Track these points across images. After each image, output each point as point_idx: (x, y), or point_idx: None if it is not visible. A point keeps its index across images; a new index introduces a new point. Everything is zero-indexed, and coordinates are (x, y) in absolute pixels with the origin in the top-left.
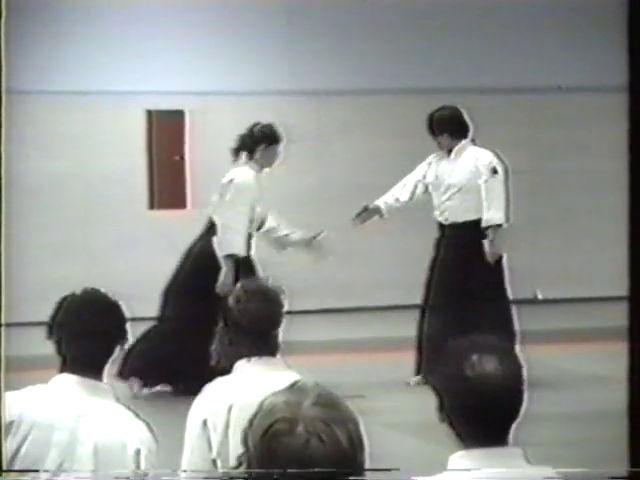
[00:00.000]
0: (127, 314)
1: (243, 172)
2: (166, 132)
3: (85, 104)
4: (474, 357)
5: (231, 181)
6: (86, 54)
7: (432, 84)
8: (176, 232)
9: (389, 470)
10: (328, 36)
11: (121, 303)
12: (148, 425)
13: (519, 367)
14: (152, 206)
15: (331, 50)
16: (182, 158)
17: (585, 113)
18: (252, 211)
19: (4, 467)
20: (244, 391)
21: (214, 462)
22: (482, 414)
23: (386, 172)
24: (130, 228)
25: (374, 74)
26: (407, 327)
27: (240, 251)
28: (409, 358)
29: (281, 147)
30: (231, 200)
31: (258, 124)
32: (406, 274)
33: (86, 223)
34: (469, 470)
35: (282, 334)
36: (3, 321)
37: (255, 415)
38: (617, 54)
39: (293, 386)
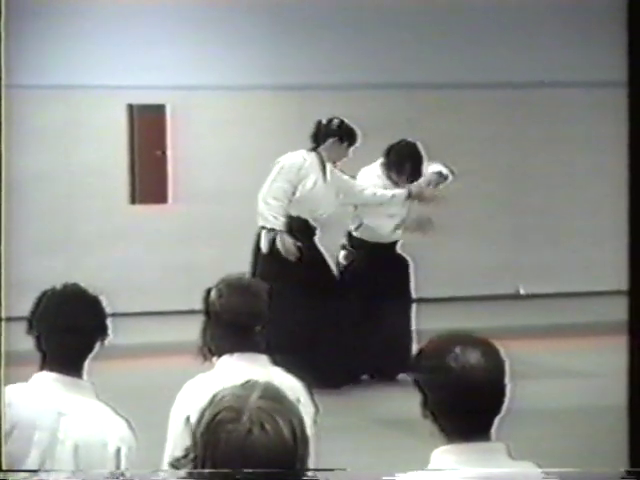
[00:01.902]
0: (108, 309)
1: (294, 154)
2: (148, 126)
3: (66, 98)
4: (457, 349)
5: (278, 162)
6: (67, 48)
7: (417, 79)
8: (157, 227)
9: (332, 470)
10: (312, 30)
11: (102, 298)
12: (128, 422)
13: (502, 360)
14: (133, 201)
15: (315, 44)
16: (164, 153)
17: (577, 108)
18: (292, 189)
19: (4, 467)
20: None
21: (178, 459)
22: (465, 406)
23: (367, 166)
24: (111, 223)
25: (358, 69)
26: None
27: (272, 225)
28: None
29: (351, 149)
30: (272, 176)
31: (337, 118)
32: None
33: (67, 218)
34: (451, 469)
35: None
36: (3, 315)
37: (207, 406)
38: (609, 50)
39: (245, 383)
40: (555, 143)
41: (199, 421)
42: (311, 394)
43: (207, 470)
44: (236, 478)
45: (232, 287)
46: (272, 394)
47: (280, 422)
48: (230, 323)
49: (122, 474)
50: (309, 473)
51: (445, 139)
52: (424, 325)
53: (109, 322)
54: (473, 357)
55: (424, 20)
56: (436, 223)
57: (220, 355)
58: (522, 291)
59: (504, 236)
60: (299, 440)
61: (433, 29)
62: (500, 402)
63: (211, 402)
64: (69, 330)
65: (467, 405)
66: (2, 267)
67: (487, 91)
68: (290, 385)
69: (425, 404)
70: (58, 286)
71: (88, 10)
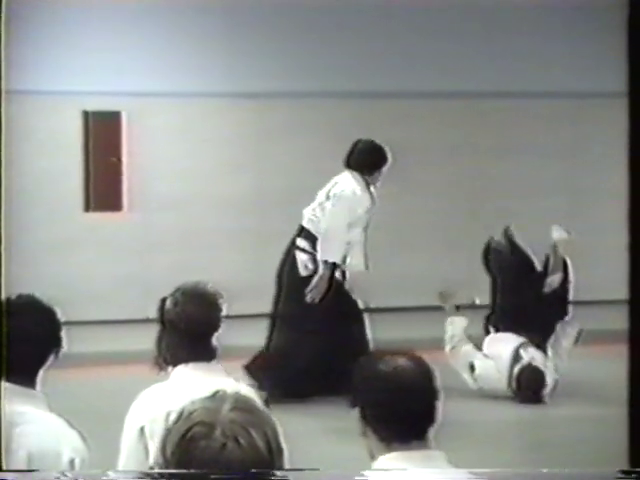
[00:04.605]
0: (62, 319)
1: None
2: (103, 133)
3: (20, 104)
4: (387, 357)
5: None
6: (21, 53)
7: (376, 87)
8: (112, 234)
9: (303, 470)
10: (267, 37)
11: (57, 309)
12: (81, 434)
13: (430, 368)
14: (88, 208)
15: (270, 52)
16: (119, 160)
17: (535, 118)
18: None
19: (4, 467)
20: (182, 398)
21: (151, 469)
22: (399, 408)
23: (325, 175)
24: (65, 230)
25: (319, 76)
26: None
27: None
28: None
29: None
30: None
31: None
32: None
33: (20, 225)
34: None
35: None
36: None
37: (175, 422)
38: (574, 61)
39: (214, 394)
40: (517, 153)
41: (166, 439)
42: (267, 404)
43: (181, 471)
44: None
45: (188, 295)
46: (244, 405)
47: (254, 434)
48: (186, 332)
49: (66, 475)
50: (280, 473)
51: (410, 148)
52: (389, 335)
53: (63, 334)
54: (402, 361)
55: (392, 27)
56: (402, 234)
57: (175, 364)
58: (478, 301)
59: (468, 247)
60: (274, 451)
61: (400, 37)
62: (432, 407)
63: (179, 418)
64: (22, 341)
65: (401, 407)
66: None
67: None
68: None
69: (364, 419)
70: (13, 296)
71: (42, 14)
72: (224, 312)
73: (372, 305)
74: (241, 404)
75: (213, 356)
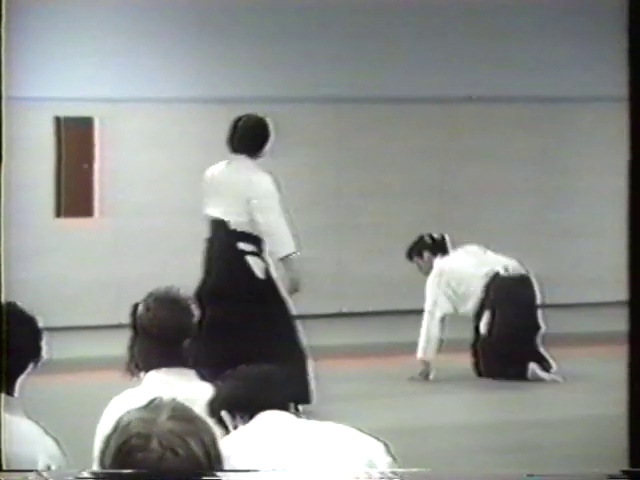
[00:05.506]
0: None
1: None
2: (75, 139)
3: None
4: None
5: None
6: None
7: (345, 93)
8: (83, 240)
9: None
10: (239, 43)
11: (37, 318)
12: (57, 442)
13: (275, 367)
14: (59, 214)
15: (242, 57)
16: (90, 166)
17: (499, 123)
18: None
19: (4, 467)
20: None
21: None
22: (259, 399)
23: (296, 179)
24: (36, 236)
25: (287, 82)
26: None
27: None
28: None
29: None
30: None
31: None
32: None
33: None
34: None
35: None
36: None
37: (111, 434)
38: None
39: (150, 403)
40: (484, 157)
41: (104, 451)
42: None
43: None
44: None
45: (160, 301)
46: (181, 414)
47: (192, 444)
48: (158, 337)
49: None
50: (220, 474)
51: (373, 154)
52: (362, 339)
53: (44, 343)
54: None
55: (361, 32)
56: (373, 238)
57: (147, 370)
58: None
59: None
60: (213, 458)
61: (370, 42)
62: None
63: (115, 429)
64: (3, 349)
65: (259, 397)
66: (2, 278)
67: (424, 105)
68: None
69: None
70: None
71: (13, 20)
72: (196, 317)
73: (344, 309)
74: (178, 413)
75: (185, 361)
